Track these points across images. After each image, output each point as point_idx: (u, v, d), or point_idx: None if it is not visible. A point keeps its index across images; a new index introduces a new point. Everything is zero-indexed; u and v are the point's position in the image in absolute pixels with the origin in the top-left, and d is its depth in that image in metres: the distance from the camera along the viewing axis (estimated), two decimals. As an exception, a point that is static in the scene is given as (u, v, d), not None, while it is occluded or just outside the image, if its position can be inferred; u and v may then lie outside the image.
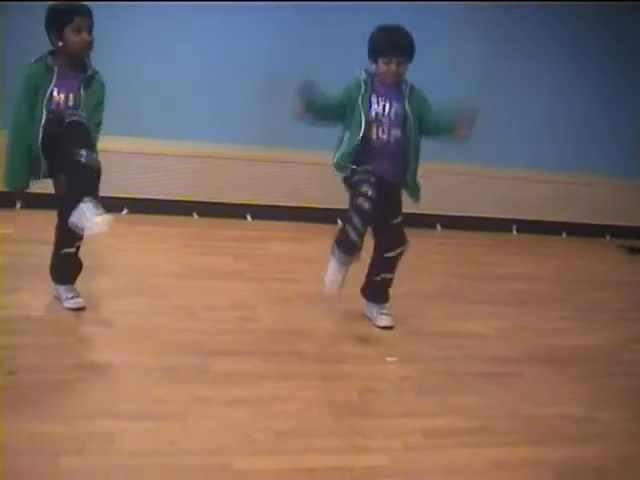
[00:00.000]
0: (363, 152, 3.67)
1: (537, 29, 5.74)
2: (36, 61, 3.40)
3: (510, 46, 5.70)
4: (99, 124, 3.55)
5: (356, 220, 3.64)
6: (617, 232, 6.13)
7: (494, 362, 3.71)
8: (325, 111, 3.71)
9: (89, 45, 3.40)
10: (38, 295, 3.73)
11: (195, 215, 5.52)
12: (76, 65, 3.45)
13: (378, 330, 3.88)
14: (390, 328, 3.88)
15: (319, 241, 4.51)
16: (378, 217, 3.70)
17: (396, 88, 3.70)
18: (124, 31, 5.08)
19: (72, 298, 3.67)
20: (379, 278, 3.90)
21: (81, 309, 3.66)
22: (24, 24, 4.57)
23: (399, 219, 3.82)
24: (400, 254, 3.85)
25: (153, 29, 5.27)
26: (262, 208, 5.57)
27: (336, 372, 3.44)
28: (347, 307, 4.06)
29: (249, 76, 5.45)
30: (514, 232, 5.97)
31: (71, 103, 3.41)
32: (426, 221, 5.69)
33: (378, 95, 3.68)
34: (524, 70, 5.75)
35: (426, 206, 5.68)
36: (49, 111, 3.36)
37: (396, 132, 3.70)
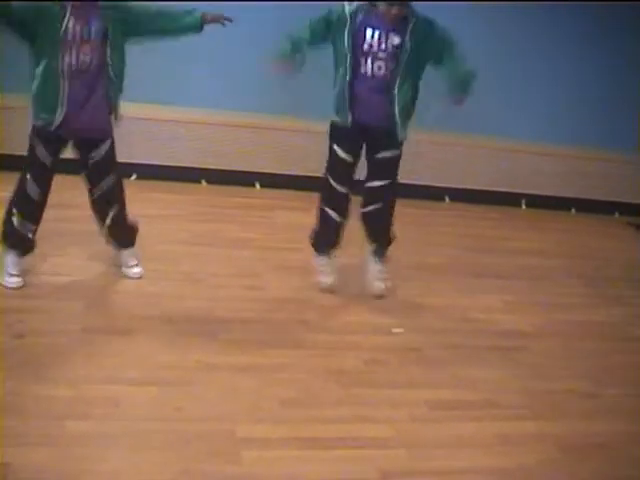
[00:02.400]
0: (354, 90, 3.54)
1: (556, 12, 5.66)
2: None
3: (526, 21, 5.62)
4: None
5: (332, 214, 3.73)
6: (626, 209, 6.07)
7: (502, 336, 3.70)
8: (310, 44, 3.61)
9: None
10: (46, 260, 3.72)
11: (203, 182, 5.48)
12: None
13: (384, 301, 3.86)
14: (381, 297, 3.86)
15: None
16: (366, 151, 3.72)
17: (399, 19, 3.46)
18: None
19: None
20: (366, 210, 3.79)
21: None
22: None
23: (389, 153, 3.68)
24: (381, 187, 3.73)
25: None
26: (271, 176, 5.53)
27: (342, 342, 3.43)
28: (355, 277, 4.05)
29: (260, 44, 5.38)
30: (523, 206, 5.92)
31: (87, 35, 3.22)
32: (434, 193, 5.64)
33: (373, 27, 3.46)
34: (538, 44, 5.66)
35: (434, 178, 5.70)
36: (66, 45, 3.19)
37: (391, 65, 3.50)
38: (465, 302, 3.97)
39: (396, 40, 3.47)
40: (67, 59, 3.23)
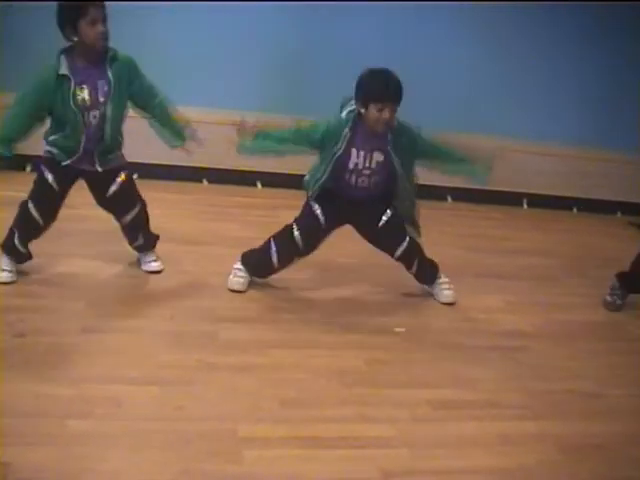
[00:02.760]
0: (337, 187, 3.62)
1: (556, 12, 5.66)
2: (45, 68, 3.33)
3: (526, 21, 5.61)
4: (153, 90, 3.63)
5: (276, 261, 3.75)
6: (628, 208, 6.07)
7: (503, 336, 3.69)
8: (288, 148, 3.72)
9: (105, 36, 3.29)
10: (48, 259, 3.72)
11: (205, 182, 5.49)
12: (95, 58, 3.35)
13: (386, 300, 3.87)
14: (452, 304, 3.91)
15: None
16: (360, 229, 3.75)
17: (380, 136, 3.49)
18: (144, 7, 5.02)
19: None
20: (411, 271, 3.88)
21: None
22: None
23: (386, 217, 3.70)
24: (408, 249, 3.76)
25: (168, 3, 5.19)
26: (272, 176, 5.53)
27: (344, 341, 3.43)
28: (356, 277, 4.05)
29: (265, 43, 5.39)
30: (525, 206, 5.92)
31: (99, 96, 3.36)
32: (437, 193, 5.64)
33: (358, 147, 3.51)
34: (539, 44, 5.66)
35: (437, 177, 5.68)
36: (78, 109, 3.32)
37: (376, 179, 3.58)
38: (466, 302, 3.97)
39: (380, 157, 3.52)
40: (81, 122, 3.37)
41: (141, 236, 3.78)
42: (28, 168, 4.94)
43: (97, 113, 3.39)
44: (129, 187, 3.65)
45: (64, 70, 3.28)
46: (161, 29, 5.20)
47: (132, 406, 2.74)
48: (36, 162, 3.60)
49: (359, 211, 3.67)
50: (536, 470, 2.71)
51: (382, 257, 3.84)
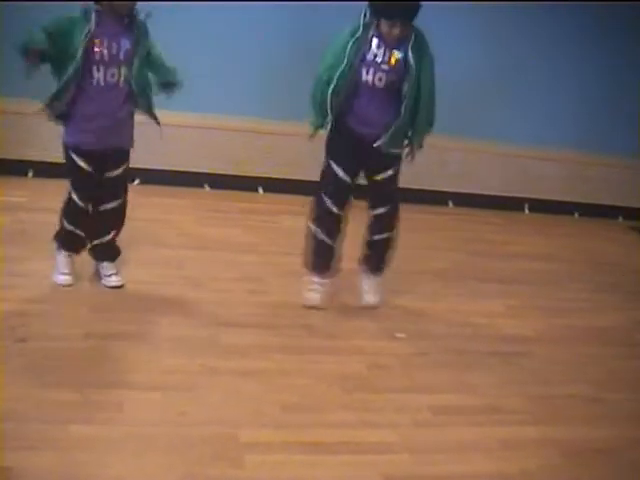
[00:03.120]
0: (351, 97, 3.50)
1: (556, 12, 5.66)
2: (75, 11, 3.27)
3: (527, 26, 5.63)
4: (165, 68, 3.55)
5: (323, 235, 3.68)
6: (630, 213, 6.09)
7: (504, 341, 3.70)
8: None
9: (133, 3, 3.29)
10: (50, 264, 3.72)
11: (207, 187, 5.50)
12: (121, 20, 3.31)
13: (387, 306, 3.86)
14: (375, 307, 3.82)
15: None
16: (364, 172, 3.67)
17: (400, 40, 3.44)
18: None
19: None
20: (372, 239, 3.77)
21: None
22: None
23: (387, 174, 3.64)
24: (387, 214, 3.71)
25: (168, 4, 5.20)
26: (274, 181, 5.55)
27: (345, 347, 3.44)
28: (356, 281, 4.06)
29: (264, 49, 5.40)
30: (526, 211, 5.93)
31: (115, 52, 3.29)
32: (438, 198, 5.66)
33: (379, 42, 3.43)
34: (541, 50, 5.67)
35: (438, 183, 5.71)
36: (92, 62, 3.25)
37: (392, 78, 3.45)
38: (468, 307, 3.98)
39: (399, 55, 3.44)
40: (95, 77, 3.30)
41: (113, 233, 3.67)
42: (30, 173, 4.97)
43: (116, 72, 3.33)
44: (126, 175, 3.63)
45: (90, 15, 3.23)
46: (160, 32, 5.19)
47: (135, 411, 2.75)
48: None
49: (370, 157, 3.58)
50: (537, 475, 2.72)
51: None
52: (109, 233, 3.65)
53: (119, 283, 3.70)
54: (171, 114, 5.24)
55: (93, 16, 3.24)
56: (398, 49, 3.44)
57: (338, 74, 3.44)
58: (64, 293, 3.55)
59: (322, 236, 3.71)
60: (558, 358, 3.60)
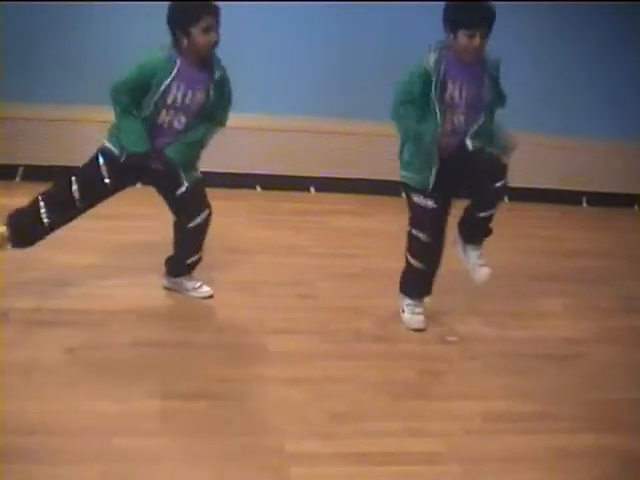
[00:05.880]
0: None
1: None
2: (159, 50, 3.28)
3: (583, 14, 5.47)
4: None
5: (416, 263, 3.52)
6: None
7: (560, 343, 3.59)
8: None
9: (215, 44, 3.27)
10: (96, 271, 3.74)
11: (258, 188, 5.49)
12: (201, 63, 3.29)
13: (437, 308, 3.75)
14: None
15: (381, 214, 4.42)
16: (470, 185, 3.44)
17: (474, 66, 3.26)
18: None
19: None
20: (480, 215, 3.52)
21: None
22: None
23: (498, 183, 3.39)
24: (500, 188, 3.43)
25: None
26: (326, 180, 5.50)
27: (395, 352, 3.38)
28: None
29: (312, 46, 5.36)
30: (584, 204, 5.76)
31: (189, 101, 3.28)
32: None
33: (454, 77, 3.23)
34: (596, 38, 5.51)
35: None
36: (164, 105, 3.26)
37: (469, 115, 3.31)
38: (521, 307, 3.88)
39: (474, 88, 3.29)
40: (159, 117, 3.30)
41: (198, 249, 3.65)
42: (18, 177, 5.04)
43: (184, 118, 3.33)
44: (200, 189, 3.58)
45: (173, 60, 3.23)
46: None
47: (179, 421, 2.74)
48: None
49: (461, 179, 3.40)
50: (594, 487, 2.62)
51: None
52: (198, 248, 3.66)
53: (210, 292, 3.72)
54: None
55: (177, 63, 3.23)
56: (473, 83, 3.27)
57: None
58: (110, 302, 3.54)
59: (418, 265, 3.57)
60: (617, 361, 3.48)
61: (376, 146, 5.36)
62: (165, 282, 3.73)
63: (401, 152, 3.45)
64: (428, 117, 3.26)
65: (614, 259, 4.71)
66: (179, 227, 3.58)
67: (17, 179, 5.07)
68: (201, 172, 5.17)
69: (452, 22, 3.19)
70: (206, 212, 3.57)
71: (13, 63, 4.76)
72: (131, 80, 3.24)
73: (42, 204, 3.36)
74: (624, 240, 5.09)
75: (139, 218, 4.00)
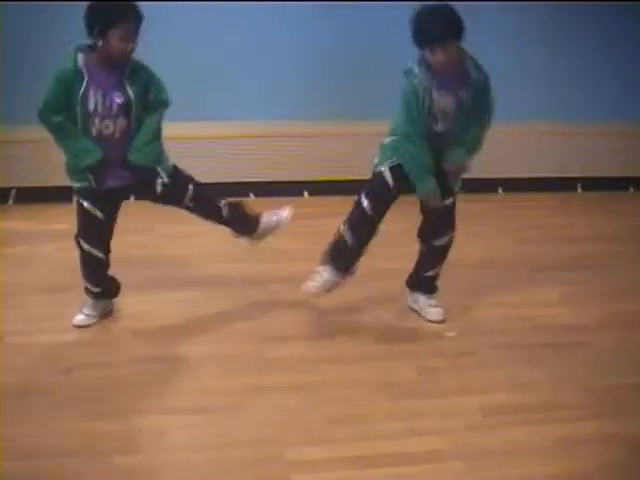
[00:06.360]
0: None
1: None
2: (66, 57, 3.14)
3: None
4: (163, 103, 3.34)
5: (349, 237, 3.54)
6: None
7: (560, 331, 3.55)
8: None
9: (131, 53, 3.15)
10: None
11: (252, 195, 5.47)
12: (114, 66, 3.17)
13: (437, 303, 3.74)
14: (442, 322, 3.59)
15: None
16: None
17: (457, 74, 3.26)
18: (172, 16, 5.01)
19: None
20: (425, 275, 3.63)
21: None
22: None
23: (447, 201, 3.47)
24: (447, 246, 3.55)
25: (200, 13, 5.18)
26: (319, 184, 5.48)
27: (393, 351, 3.35)
28: (401, 281, 3.94)
29: (299, 48, 5.34)
30: (579, 190, 5.73)
31: (108, 105, 3.15)
32: (487, 185, 5.50)
33: (439, 87, 3.25)
34: (588, 23, 5.48)
35: (487, 169, 5.54)
36: (88, 114, 3.14)
37: (444, 124, 3.33)
38: (520, 298, 3.84)
39: (461, 94, 3.28)
40: (92, 129, 3.19)
41: (222, 204, 3.57)
42: (10, 200, 5.05)
43: (111, 124, 3.20)
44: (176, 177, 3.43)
45: (80, 64, 3.10)
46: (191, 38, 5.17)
47: (178, 437, 2.72)
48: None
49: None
50: (600, 475, 2.58)
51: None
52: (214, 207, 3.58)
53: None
54: (208, 125, 5.28)
55: (84, 69, 3.11)
56: (456, 91, 3.27)
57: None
58: (107, 319, 3.53)
59: (351, 239, 3.59)
60: (620, 346, 3.43)
61: (368, 146, 5.27)
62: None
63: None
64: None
65: (613, 243, 4.66)
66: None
67: (10, 202, 5.08)
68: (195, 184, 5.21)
69: (415, 41, 3.22)
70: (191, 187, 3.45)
71: (3, 86, 4.76)
72: (53, 95, 3.13)
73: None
74: (622, 223, 5.06)
75: (132, 233, 3.97)
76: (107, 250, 3.42)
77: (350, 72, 5.32)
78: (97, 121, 3.18)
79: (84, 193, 3.29)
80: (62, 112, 3.14)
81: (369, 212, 3.44)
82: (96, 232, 3.36)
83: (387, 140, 3.47)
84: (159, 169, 3.34)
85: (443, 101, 3.28)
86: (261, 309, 3.70)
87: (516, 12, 5.32)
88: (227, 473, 2.53)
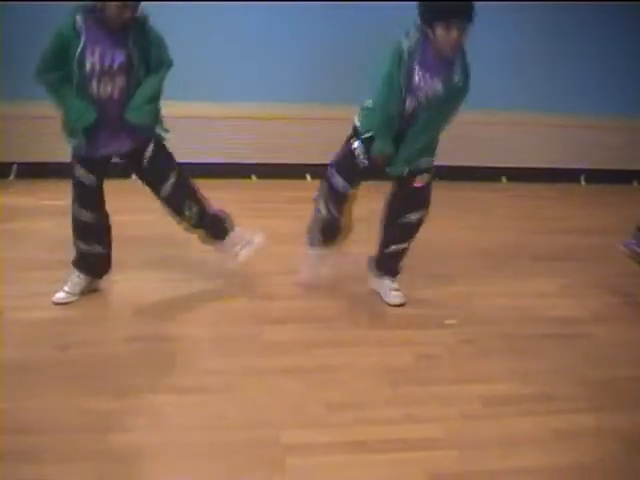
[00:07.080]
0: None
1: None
2: (65, 17, 3.09)
3: None
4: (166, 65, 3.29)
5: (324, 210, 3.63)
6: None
7: (559, 323, 3.55)
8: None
9: (130, 19, 3.08)
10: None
11: (254, 177, 5.45)
12: (115, 26, 3.10)
13: (437, 292, 3.73)
14: (402, 305, 3.60)
15: (379, 199, 4.34)
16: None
17: (444, 65, 3.18)
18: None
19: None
20: (391, 250, 3.61)
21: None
22: None
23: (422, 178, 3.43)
24: (419, 220, 3.51)
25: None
26: (322, 167, 5.45)
27: (392, 337, 3.34)
28: (404, 270, 3.94)
29: (303, 33, 5.31)
30: (582, 182, 5.71)
31: (108, 64, 3.10)
32: (490, 174, 5.49)
33: (422, 67, 3.18)
34: (588, 16, 5.44)
35: (490, 159, 5.53)
36: (85, 74, 3.09)
37: (420, 105, 3.25)
38: (520, 288, 3.84)
39: (439, 86, 3.20)
40: (90, 89, 3.15)
41: (193, 205, 3.56)
42: (12, 175, 5.06)
43: (110, 84, 3.16)
44: (163, 154, 3.42)
45: (79, 23, 3.06)
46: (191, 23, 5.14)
47: (174, 416, 2.71)
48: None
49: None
50: (595, 467, 2.58)
51: (427, 247, 3.71)
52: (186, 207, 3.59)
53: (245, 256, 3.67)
54: (212, 106, 5.25)
55: (83, 29, 3.07)
56: (440, 77, 3.19)
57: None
58: (105, 297, 3.53)
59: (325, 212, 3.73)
60: (618, 339, 3.43)
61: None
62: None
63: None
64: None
65: (613, 236, 4.62)
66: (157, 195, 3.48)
67: (11, 177, 5.06)
68: (197, 163, 5.19)
69: (429, 15, 3.10)
70: (172, 178, 3.47)
71: (4, 61, 4.73)
72: (49, 51, 3.09)
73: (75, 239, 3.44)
74: (623, 216, 5.01)
75: (133, 212, 3.95)
76: (103, 212, 3.44)
77: (352, 55, 5.29)
78: (95, 81, 3.14)
79: (78, 156, 3.29)
80: (58, 70, 3.10)
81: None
82: (92, 196, 3.37)
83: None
84: (157, 129, 3.32)
85: (421, 81, 3.20)
86: (258, 292, 3.68)
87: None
88: (224, 455, 2.52)
